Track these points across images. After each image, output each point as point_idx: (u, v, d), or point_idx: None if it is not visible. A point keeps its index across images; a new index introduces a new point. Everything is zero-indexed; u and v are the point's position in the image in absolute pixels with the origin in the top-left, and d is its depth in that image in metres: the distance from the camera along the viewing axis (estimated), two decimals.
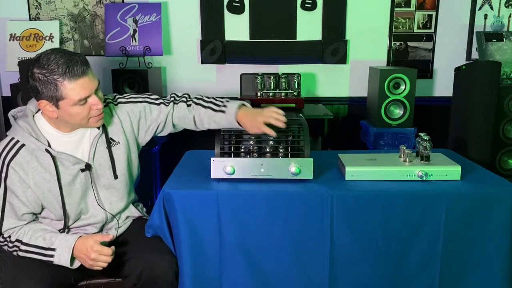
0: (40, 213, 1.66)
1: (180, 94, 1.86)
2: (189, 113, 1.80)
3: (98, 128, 1.65)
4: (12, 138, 1.58)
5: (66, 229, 1.67)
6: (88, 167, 1.64)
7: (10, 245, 1.60)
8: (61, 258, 1.55)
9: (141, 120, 1.77)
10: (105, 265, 1.56)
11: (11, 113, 1.67)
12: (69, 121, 1.58)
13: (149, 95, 1.83)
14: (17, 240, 1.59)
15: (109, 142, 1.69)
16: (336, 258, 1.63)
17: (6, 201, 1.58)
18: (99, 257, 1.54)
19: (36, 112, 1.63)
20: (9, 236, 1.60)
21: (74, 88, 1.49)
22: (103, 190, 1.71)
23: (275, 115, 1.67)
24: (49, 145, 1.59)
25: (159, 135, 1.86)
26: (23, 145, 1.57)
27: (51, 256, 1.55)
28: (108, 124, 1.70)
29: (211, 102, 1.79)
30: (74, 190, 1.64)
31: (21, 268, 1.57)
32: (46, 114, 1.57)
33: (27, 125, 1.58)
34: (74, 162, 1.62)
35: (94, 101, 1.55)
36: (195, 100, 1.82)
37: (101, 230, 1.73)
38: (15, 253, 1.60)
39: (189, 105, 1.81)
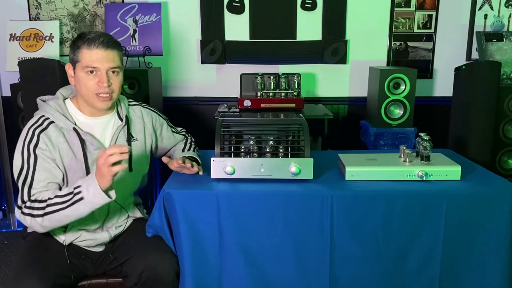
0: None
1: (189, 139, 2.02)
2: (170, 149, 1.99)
3: (121, 120, 1.74)
4: (42, 116, 1.65)
5: None
6: None
7: (36, 206, 1.51)
8: (90, 189, 1.47)
9: (157, 130, 1.90)
10: (125, 158, 1.45)
11: (41, 98, 1.74)
12: (80, 91, 1.66)
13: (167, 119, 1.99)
14: (42, 201, 1.51)
15: (129, 136, 1.76)
16: (336, 258, 1.63)
17: (36, 170, 1.58)
18: (115, 156, 1.43)
19: (66, 98, 1.73)
20: (36, 200, 1.53)
21: (87, 54, 1.61)
22: (115, 181, 1.71)
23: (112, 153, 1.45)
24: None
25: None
26: (52, 122, 1.63)
27: (80, 193, 1.48)
28: (133, 120, 1.80)
29: (188, 151, 1.94)
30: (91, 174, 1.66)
31: (23, 267, 1.57)
32: (69, 81, 1.70)
33: (57, 105, 1.67)
34: (96, 147, 1.67)
35: (102, 77, 1.63)
36: (188, 146, 1.99)
37: (101, 225, 1.74)
38: (39, 218, 1.50)
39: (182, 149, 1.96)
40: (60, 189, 1.63)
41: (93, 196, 1.47)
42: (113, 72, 1.65)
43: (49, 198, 1.52)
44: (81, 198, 1.48)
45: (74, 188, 1.50)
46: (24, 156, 1.60)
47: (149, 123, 1.85)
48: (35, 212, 1.52)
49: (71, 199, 1.49)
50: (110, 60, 1.64)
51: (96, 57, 1.61)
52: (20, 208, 1.56)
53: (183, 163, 1.71)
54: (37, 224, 1.53)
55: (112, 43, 1.65)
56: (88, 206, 1.49)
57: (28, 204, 1.54)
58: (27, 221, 1.54)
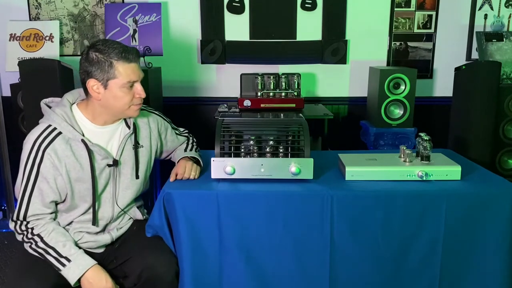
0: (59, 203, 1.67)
1: (191, 140, 2.02)
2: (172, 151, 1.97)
3: (129, 127, 1.72)
4: (49, 125, 1.61)
5: (94, 221, 1.69)
6: (115, 163, 1.68)
7: (29, 236, 1.59)
8: (70, 272, 1.55)
9: (162, 135, 1.88)
10: None
11: (44, 101, 1.71)
12: (110, 106, 1.63)
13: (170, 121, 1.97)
14: (38, 235, 1.58)
15: (136, 144, 1.74)
16: (336, 258, 1.63)
17: (35, 186, 1.59)
18: None
19: (72, 104, 1.69)
20: (32, 228, 1.59)
21: (126, 70, 1.59)
22: (121, 189, 1.73)
23: None
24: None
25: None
26: (59, 133, 1.60)
27: (63, 265, 1.55)
28: (140, 126, 1.77)
29: (190, 151, 1.93)
30: (98, 184, 1.67)
31: (24, 267, 1.57)
32: (91, 96, 1.62)
33: (65, 114, 1.62)
34: (103, 156, 1.66)
35: (140, 88, 1.64)
36: (190, 146, 1.98)
37: (103, 229, 1.74)
38: (27, 245, 1.60)
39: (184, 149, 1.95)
40: (57, 203, 1.65)
41: (68, 274, 1.55)
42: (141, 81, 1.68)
43: (42, 240, 1.58)
44: (59, 268, 1.56)
45: (64, 257, 1.56)
46: (26, 171, 1.59)
47: (155, 129, 1.83)
48: (26, 239, 1.60)
49: (55, 256, 1.56)
50: (140, 70, 1.66)
51: (133, 70, 1.62)
52: (14, 222, 1.61)
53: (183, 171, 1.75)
54: (25, 245, 1.63)
55: (137, 54, 1.65)
56: (58, 268, 1.57)
57: (23, 227, 1.60)
58: (18, 237, 1.63)
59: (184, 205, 1.61)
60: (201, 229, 1.62)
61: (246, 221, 1.62)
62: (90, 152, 1.62)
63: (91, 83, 1.59)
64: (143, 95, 1.65)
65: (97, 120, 1.67)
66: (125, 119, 1.74)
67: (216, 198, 1.61)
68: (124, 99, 1.62)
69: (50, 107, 1.67)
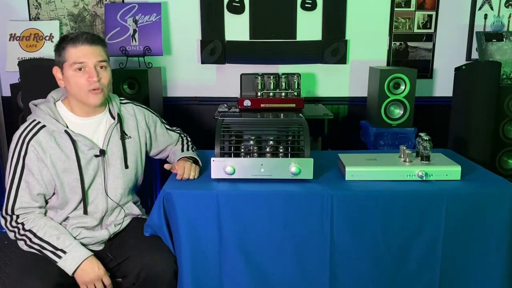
0: (49, 198, 1.68)
1: (186, 139, 2.00)
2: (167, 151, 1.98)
3: (114, 118, 1.74)
4: (34, 120, 1.65)
5: (85, 210, 1.70)
6: (102, 153, 1.70)
7: (21, 232, 1.60)
8: (66, 263, 1.57)
9: (151, 128, 1.89)
10: None
11: (33, 102, 1.74)
12: (72, 91, 1.66)
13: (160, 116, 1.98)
14: (30, 231, 1.60)
15: (123, 134, 1.76)
16: (336, 258, 1.63)
17: (22, 179, 1.61)
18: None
19: (57, 100, 1.73)
20: (23, 224, 1.60)
21: (73, 51, 1.62)
22: (111, 179, 1.74)
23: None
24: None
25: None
26: (43, 126, 1.64)
27: (59, 257, 1.57)
28: (125, 118, 1.80)
29: (187, 151, 1.92)
30: (87, 175, 1.68)
31: (27, 266, 1.57)
32: (59, 85, 1.69)
33: (48, 108, 1.67)
34: (89, 147, 1.67)
35: (91, 72, 1.63)
36: (186, 146, 1.97)
37: (100, 223, 1.74)
38: (21, 242, 1.61)
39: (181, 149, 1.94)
40: (47, 198, 1.66)
41: (65, 265, 1.57)
42: (101, 67, 1.67)
43: (35, 235, 1.59)
44: (55, 260, 1.57)
45: (59, 249, 1.58)
46: (12, 164, 1.62)
47: (142, 120, 1.84)
48: (19, 236, 1.62)
49: (51, 250, 1.58)
50: (96, 54, 1.65)
51: (82, 52, 1.63)
52: (4, 218, 1.63)
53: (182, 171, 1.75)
54: (18, 243, 1.64)
55: (97, 39, 1.68)
56: (55, 260, 1.58)
57: (13, 223, 1.62)
58: (10, 235, 1.64)
59: (184, 205, 1.61)
60: (201, 229, 1.62)
61: (246, 221, 1.62)
62: (74, 142, 1.64)
63: (54, 71, 1.68)
64: (94, 78, 1.63)
65: (78, 112, 1.70)
66: (109, 111, 1.76)
67: (216, 198, 1.61)
68: (77, 82, 1.63)
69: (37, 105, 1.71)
